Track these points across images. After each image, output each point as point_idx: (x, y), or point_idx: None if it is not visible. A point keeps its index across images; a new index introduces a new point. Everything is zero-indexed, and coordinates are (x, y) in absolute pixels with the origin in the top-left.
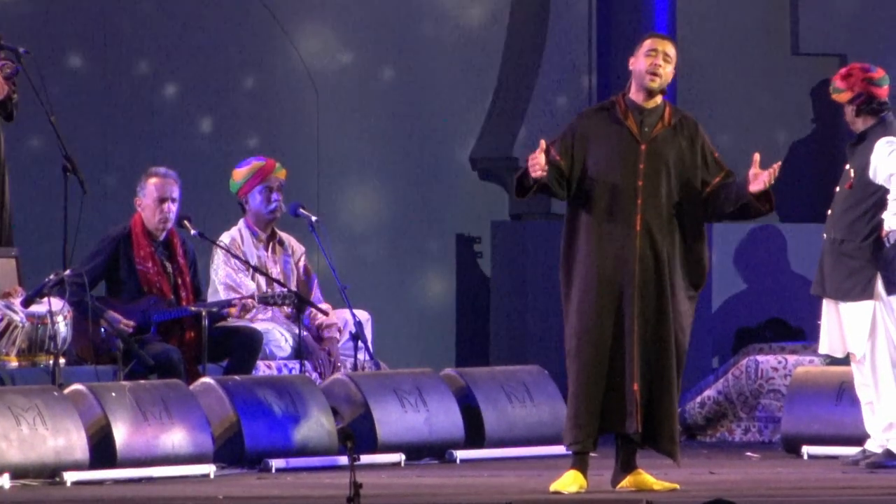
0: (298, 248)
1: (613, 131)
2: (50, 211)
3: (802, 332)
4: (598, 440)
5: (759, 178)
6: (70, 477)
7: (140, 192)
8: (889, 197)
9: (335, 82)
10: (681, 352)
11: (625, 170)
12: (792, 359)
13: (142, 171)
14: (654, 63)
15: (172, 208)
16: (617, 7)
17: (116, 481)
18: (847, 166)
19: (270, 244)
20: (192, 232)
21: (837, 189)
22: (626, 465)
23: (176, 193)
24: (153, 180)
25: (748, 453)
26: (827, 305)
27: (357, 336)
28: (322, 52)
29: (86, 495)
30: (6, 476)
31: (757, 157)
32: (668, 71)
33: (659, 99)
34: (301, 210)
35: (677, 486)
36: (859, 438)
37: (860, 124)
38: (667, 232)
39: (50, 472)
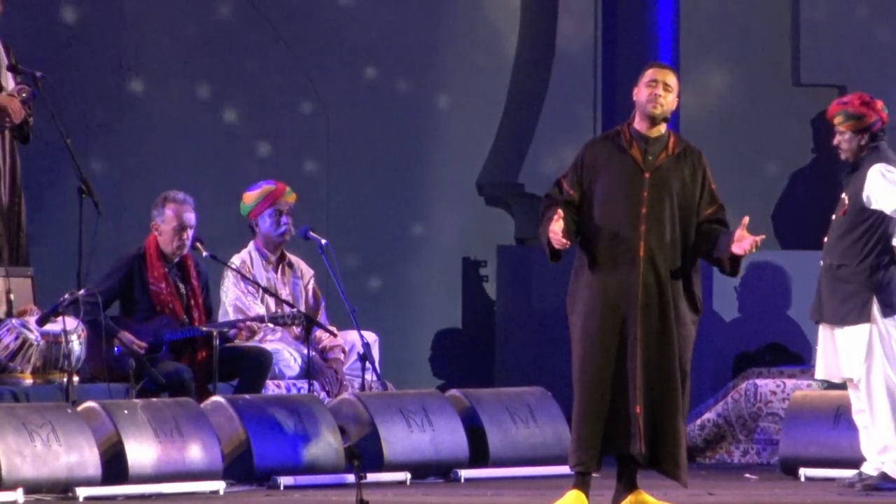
0: (308, 272)
1: (618, 160)
2: (65, 231)
3: (801, 357)
4: (602, 461)
5: (744, 242)
6: (82, 492)
7: (157, 216)
8: None
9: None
10: (684, 375)
11: (629, 197)
12: (790, 383)
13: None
14: (654, 93)
15: (190, 235)
16: (621, 38)
17: (128, 497)
18: (843, 195)
19: (280, 266)
20: (205, 254)
21: (834, 217)
22: (627, 485)
23: (193, 220)
24: (171, 206)
25: (746, 475)
26: (823, 331)
27: (365, 357)
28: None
29: None
30: (20, 491)
31: (746, 220)
32: (669, 100)
33: (663, 128)
34: (311, 233)
35: None
36: (856, 462)
37: (859, 151)
38: (669, 258)
39: (63, 488)
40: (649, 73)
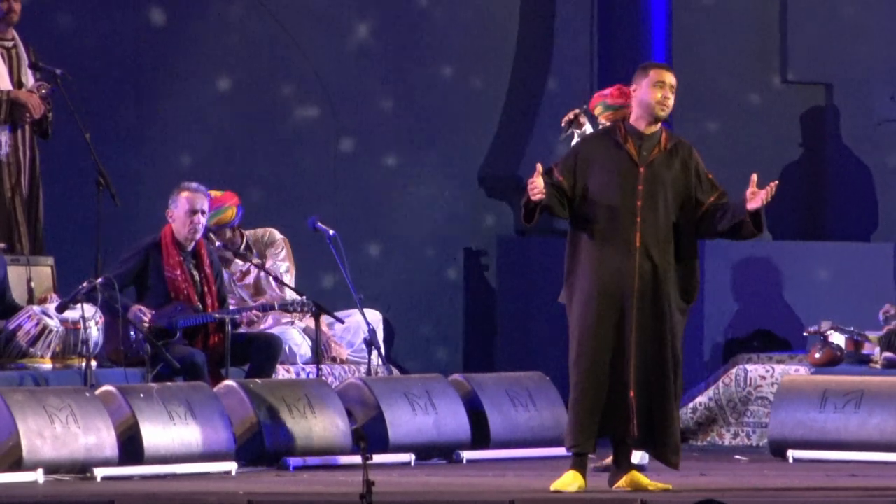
0: (261, 232)
1: (614, 155)
2: (84, 221)
3: (788, 343)
4: (597, 443)
5: (758, 197)
6: (100, 472)
7: (172, 204)
8: None
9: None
10: (676, 362)
11: (625, 191)
12: (779, 368)
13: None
14: (664, 95)
15: (202, 220)
16: (618, 36)
17: (143, 477)
18: None
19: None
20: (218, 244)
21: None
22: (622, 467)
23: (206, 206)
24: (185, 194)
25: (737, 456)
26: None
27: (370, 343)
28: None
29: (114, 490)
30: (40, 471)
31: (755, 176)
32: (672, 101)
33: (657, 125)
34: (319, 224)
35: (670, 487)
36: (842, 443)
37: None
38: (664, 249)
39: (81, 468)
40: (654, 75)
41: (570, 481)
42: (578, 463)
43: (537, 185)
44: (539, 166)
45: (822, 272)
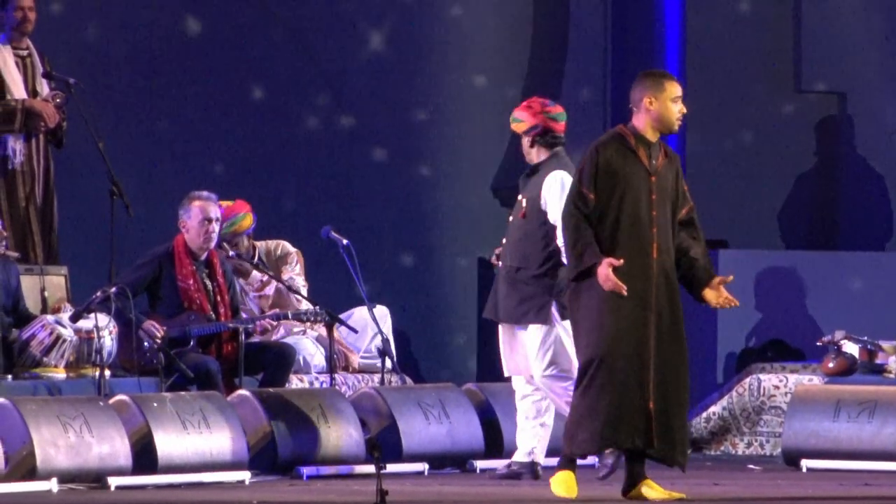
0: (273, 244)
1: (631, 163)
2: (98, 230)
3: (802, 353)
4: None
5: (720, 299)
6: (114, 482)
7: (184, 214)
8: (559, 243)
9: None
10: (687, 366)
11: (643, 200)
12: (792, 377)
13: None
14: (680, 110)
15: (215, 228)
16: (631, 43)
17: (157, 486)
18: (519, 196)
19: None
20: (230, 253)
21: (511, 219)
22: (635, 476)
23: (218, 214)
24: (197, 203)
25: (750, 466)
26: (503, 330)
27: (384, 353)
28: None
29: (128, 499)
30: (54, 480)
31: (730, 278)
32: None
33: (659, 134)
34: (332, 234)
35: (684, 496)
36: (855, 453)
37: (534, 156)
38: (673, 257)
39: (95, 477)
40: (672, 89)
41: (567, 480)
42: (571, 464)
43: (618, 284)
44: (607, 262)
45: (836, 282)
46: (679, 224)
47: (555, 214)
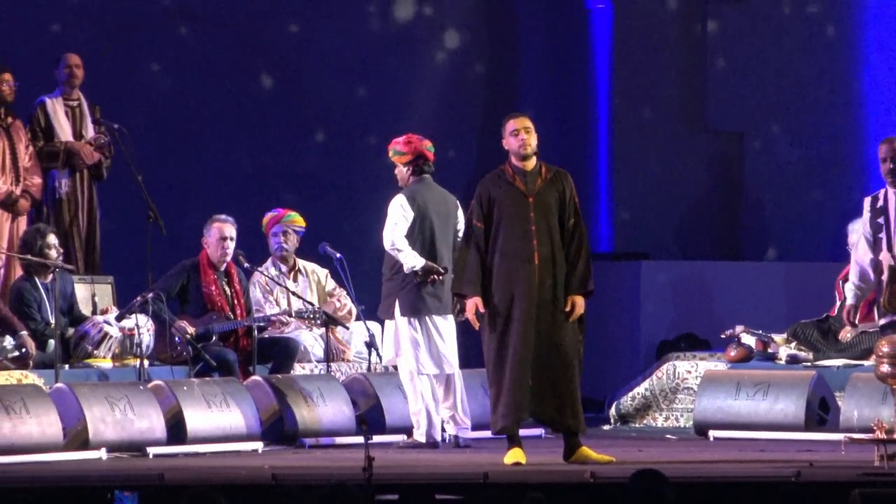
0: (320, 271)
1: (507, 191)
2: (137, 247)
3: (709, 344)
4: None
5: (574, 312)
6: (152, 451)
7: (206, 233)
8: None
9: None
10: (577, 354)
11: (521, 219)
12: (702, 364)
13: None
14: (521, 139)
15: (231, 245)
16: (573, 98)
17: (186, 454)
18: None
19: (291, 273)
20: (246, 265)
21: None
22: (572, 445)
23: (233, 233)
24: (216, 224)
25: (668, 436)
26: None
27: (370, 345)
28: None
29: (163, 465)
30: (103, 450)
31: (580, 301)
32: (533, 139)
33: (535, 161)
34: (327, 249)
35: (613, 459)
36: (753, 425)
37: (410, 180)
38: (558, 261)
39: (136, 447)
40: (511, 125)
41: (518, 456)
42: (516, 440)
43: (474, 319)
44: (473, 306)
45: (736, 286)
46: (569, 232)
47: (384, 234)
